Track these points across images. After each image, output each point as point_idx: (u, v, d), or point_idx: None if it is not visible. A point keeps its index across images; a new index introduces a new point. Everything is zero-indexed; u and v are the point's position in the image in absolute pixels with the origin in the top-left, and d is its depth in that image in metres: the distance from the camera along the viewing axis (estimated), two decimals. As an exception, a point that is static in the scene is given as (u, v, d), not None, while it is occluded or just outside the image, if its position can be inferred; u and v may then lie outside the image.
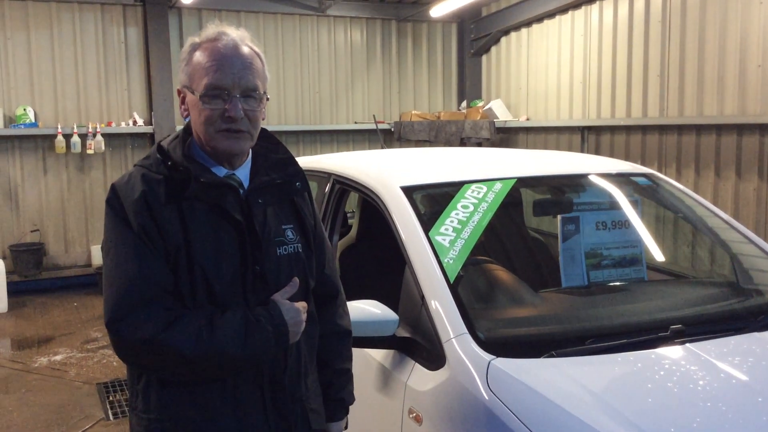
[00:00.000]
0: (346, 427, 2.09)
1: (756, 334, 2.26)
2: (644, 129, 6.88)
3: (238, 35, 1.75)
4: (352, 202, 3.89)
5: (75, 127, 7.71)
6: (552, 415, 1.85)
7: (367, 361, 2.52)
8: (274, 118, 8.78)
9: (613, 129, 7.25)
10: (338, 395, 2.02)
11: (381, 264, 3.15)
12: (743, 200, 5.93)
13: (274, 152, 1.87)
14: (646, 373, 2.03)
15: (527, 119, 8.45)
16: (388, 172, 2.95)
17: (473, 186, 2.75)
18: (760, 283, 2.75)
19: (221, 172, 1.76)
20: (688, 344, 2.14)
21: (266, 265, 1.75)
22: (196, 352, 1.60)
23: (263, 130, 1.85)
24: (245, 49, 1.73)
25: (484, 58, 9.45)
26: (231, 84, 1.69)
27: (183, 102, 1.78)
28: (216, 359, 1.63)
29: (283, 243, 1.79)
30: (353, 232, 3.71)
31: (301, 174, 1.89)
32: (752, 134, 5.85)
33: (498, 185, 2.79)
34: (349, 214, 4.17)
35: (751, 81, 5.79)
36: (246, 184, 1.79)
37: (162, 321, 1.61)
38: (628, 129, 7.05)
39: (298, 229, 1.85)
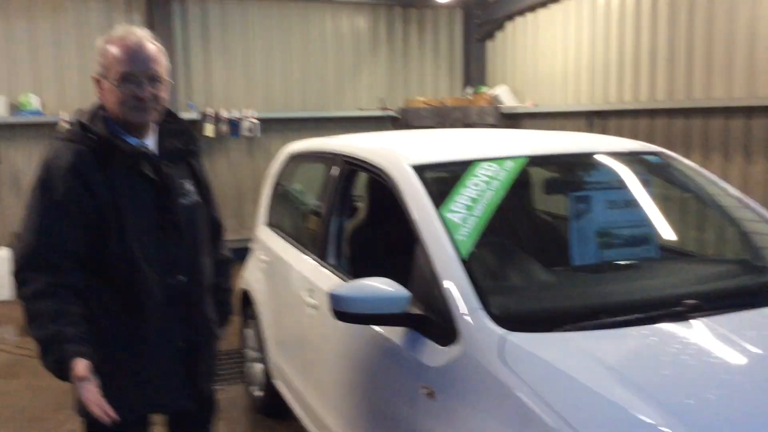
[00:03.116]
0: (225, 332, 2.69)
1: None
2: (652, 113, 6.84)
3: (142, 34, 2.21)
4: (357, 188, 3.87)
5: (80, 114, 7.68)
6: (568, 388, 1.84)
7: (378, 339, 2.52)
8: (280, 104, 8.75)
9: (620, 113, 7.20)
10: (224, 309, 2.58)
11: (390, 244, 3.14)
12: (752, 183, 5.89)
13: (173, 124, 2.37)
14: (661, 347, 2.02)
15: (534, 105, 8.41)
16: (397, 151, 2.93)
17: (484, 164, 2.73)
18: (773, 261, 2.74)
19: (134, 141, 2.23)
20: (702, 318, 2.13)
21: (176, 213, 2.27)
22: (28, 329, 2.11)
23: (166, 109, 2.32)
24: (149, 45, 2.21)
25: (489, 43, 9.39)
26: (138, 71, 2.16)
27: (100, 88, 2.22)
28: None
29: (186, 195, 2.32)
30: (362, 213, 3.70)
31: (196, 140, 2.46)
32: (761, 116, 5.81)
33: (509, 163, 2.77)
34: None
35: (761, 63, 5.74)
36: (154, 150, 2.27)
37: (36, 289, 2.08)
38: (636, 113, 7.00)
39: (194, 183, 2.38)
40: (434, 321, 2.27)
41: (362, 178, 3.49)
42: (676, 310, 2.16)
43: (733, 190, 3.07)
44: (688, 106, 6.40)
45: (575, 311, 2.20)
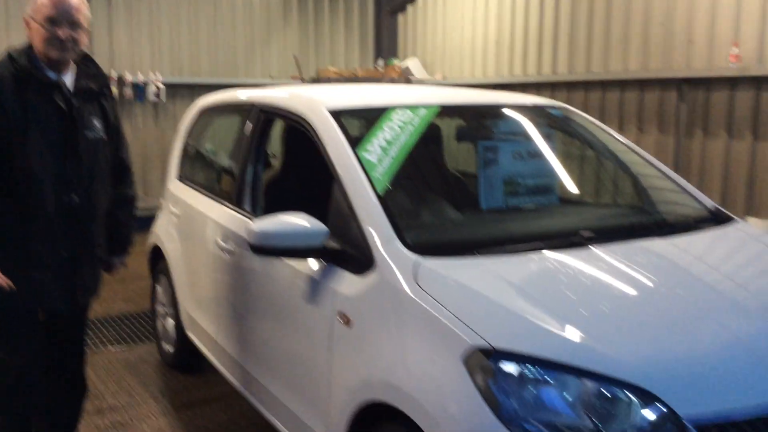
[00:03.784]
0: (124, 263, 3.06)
1: (652, 240, 2.46)
2: (553, 86, 7.16)
3: None
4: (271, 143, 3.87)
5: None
6: (476, 303, 1.98)
7: (294, 275, 2.58)
8: (187, 70, 8.54)
9: (524, 86, 7.48)
10: (122, 239, 2.96)
11: (307, 190, 3.19)
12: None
13: (92, 69, 2.74)
14: (559, 269, 2.19)
15: (443, 77, 8.60)
16: (316, 98, 2.99)
17: (399, 110, 2.83)
18: (661, 205, 2.99)
19: (52, 75, 2.58)
20: (595, 247, 2.32)
21: (79, 142, 2.61)
22: None
23: (85, 54, 2.69)
24: None
25: (401, 16, 9.51)
26: (61, 16, 2.52)
27: (29, 28, 2.57)
28: None
29: (92, 130, 2.67)
30: (278, 164, 3.73)
31: (109, 85, 2.85)
32: (653, 89, 6.21)
33: (423, 111, 2.88)
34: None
35: (653, 39, 6.13)
36: (69, 86, 2.61)
37: None
38: (539, 86, 7.30)
39: (102, 122, 2.72)
40: (351, 253, 2.35)
41: (278, 128, 3.52)
42: (573, 239, 2.34)
43: (630, 143, 3.31)
44: (587, 78, 6.75)
45: (483, 240, 2.35)
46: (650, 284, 2.12)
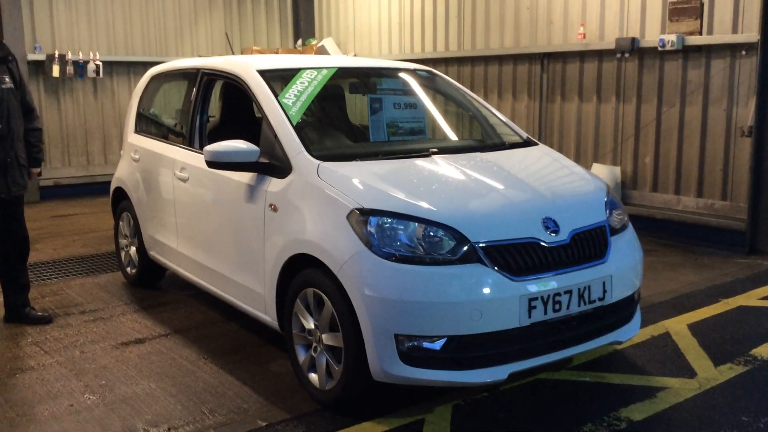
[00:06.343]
0: (40, 174, 4.70)
1: (477, 153, 3.72)
2: (446, 61, 8.45)
3: None
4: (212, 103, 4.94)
5: None
6: (355, 184, 3.17)
7: (238, 185, 3.71)
8: (122, 48, 9.39)
9: (422, 62, 8.73)
10: (35, 156, 4.51)
11: (239, 131, 4.30)
12: (519, 116, 7.66)
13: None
14: (409, 167, 3.42)
15: (355, 55, 9.76)
16: (247, 62, 4.10)
17: (308, 71, 3.99)
18: (491, 136, 4.27)
19: None
20: (437, 157, 3.55)
21: None
22: None
23: None
24: None
25: (315, 0, 10.60)
26: None
27: None
28: None
29: (4, 83, 4.23)
30: (216, 118, 4.82)
31: (12, 53, 4.37)
32: (523, 63, 7.57)
33: (324, 71, 4.05)
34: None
35: (523, 20, 7.47)
36: None
37: None
38: (434, 61, 8.57)
39: (11, 78, 4.29)
40: (276, 165, 3.51)
41: (217, 88, 4.61)
42: (424, 153, 3.58)
43: (481, 100, 4.56)
44: (472, 54, 8.06)
45: (362, 154, 3.55)
46: (466, 174, 3.37)
